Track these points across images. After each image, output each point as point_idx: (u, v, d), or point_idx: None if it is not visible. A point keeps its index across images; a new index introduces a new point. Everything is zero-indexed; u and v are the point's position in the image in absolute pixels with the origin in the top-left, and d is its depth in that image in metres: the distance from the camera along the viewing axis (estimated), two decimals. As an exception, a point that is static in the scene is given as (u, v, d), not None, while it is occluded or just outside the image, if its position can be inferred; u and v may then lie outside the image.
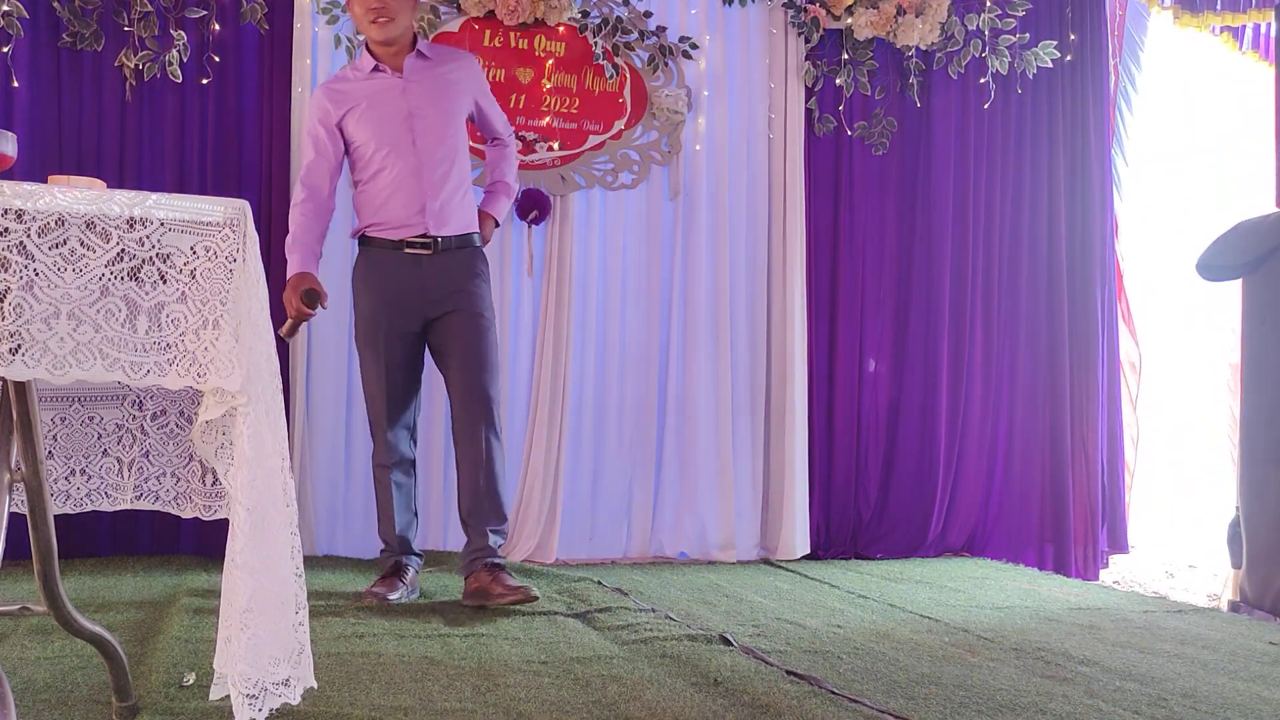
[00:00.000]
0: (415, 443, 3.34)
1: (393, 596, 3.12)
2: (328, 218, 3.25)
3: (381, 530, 3.32)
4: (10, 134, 1.67)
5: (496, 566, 3.12)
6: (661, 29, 4.18)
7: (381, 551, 3.35)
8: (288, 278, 3.14)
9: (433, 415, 3.97)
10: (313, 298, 3.06)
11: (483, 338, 3.20)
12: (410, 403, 3.29)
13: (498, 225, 3.45)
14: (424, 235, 3.17)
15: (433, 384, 3.99)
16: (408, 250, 3.17)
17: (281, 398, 1.63)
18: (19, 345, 1.41)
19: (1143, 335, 4.72)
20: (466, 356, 3.17)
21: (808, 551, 4.19)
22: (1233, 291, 4.63)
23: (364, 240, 3.27)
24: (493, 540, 3.15)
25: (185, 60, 3.76)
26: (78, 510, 1.91)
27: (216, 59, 3.81)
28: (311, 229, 3.18)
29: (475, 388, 3.17)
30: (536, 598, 3.06)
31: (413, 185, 3.17)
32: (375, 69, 3.21)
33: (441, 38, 3.99)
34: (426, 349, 3.29)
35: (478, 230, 3.29)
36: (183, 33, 3.74)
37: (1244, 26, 4.52)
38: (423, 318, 3.20)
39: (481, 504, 3.15)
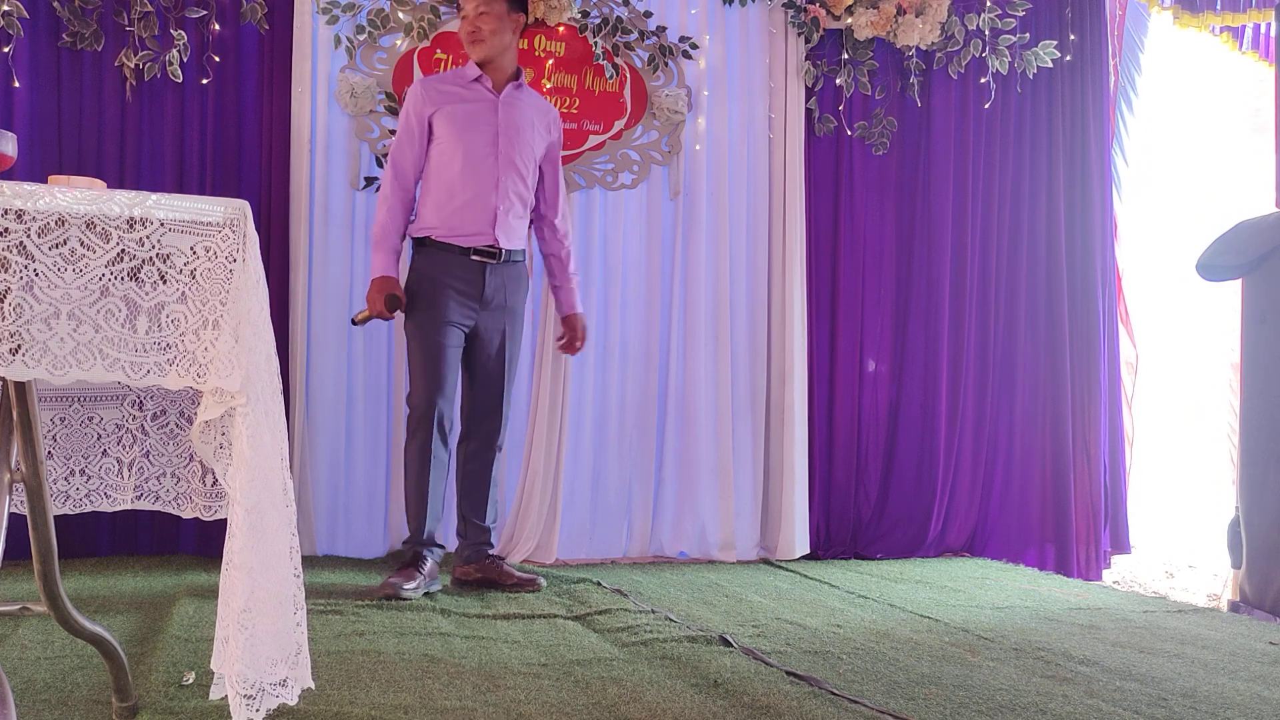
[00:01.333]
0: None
1: (408, 587, 3.16)
2: (410, 211, 3.38)
3: (410, 521, 3.37)
4: (10, 134, 1.67)
5: (500, 558, 3.45)
6: (661, 29, 4.18)
7: (404, 542, 3.39)
8: (373, 276, 3.31)
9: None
10: (394, 303, 3.28)
11: (515, 358, 3.47)
12: (456, 388, 3.38)
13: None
14: (492, 246, 3.32)
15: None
16: (474, 258, 3.31)
17: (281, 398, 1.63)
18: (19, 345, 1.41)
19: (1140, 335, 4.72)
20: (499, 372, 3.41)
21: (807, 551, 4.19)
22: (1229, 291, 4.64)
23: (427, 242, 3.33)
24: (492, 536, 3.48)
25: (185, 60, 3.76)
26: (78, 510, 1.91)
27: (216, 59, 3.81)
28: (399, 225, 3.34)
29: (499, 402, 3.42)
30: (543, 586, 3.37)
31: (488, 196, 3.31)
32: (477, 79, 3.38)
33: (441, 38, 4.00)
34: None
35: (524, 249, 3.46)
36: (183, 33, 3.75)
37: (1244, 26, 4.52)
38: (474, 318, 3.35)
39: (484, 504, 3.43)
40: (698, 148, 4.22)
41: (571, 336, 3.57)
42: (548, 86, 4.09)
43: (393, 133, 3.92)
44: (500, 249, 3.33)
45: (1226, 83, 5.00)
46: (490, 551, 3.44)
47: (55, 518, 1.76)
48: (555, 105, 4.10)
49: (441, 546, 3.39)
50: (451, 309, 3.30)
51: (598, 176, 4.14)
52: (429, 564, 3.29)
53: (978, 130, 4.44)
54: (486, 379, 3.40)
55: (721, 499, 4.17)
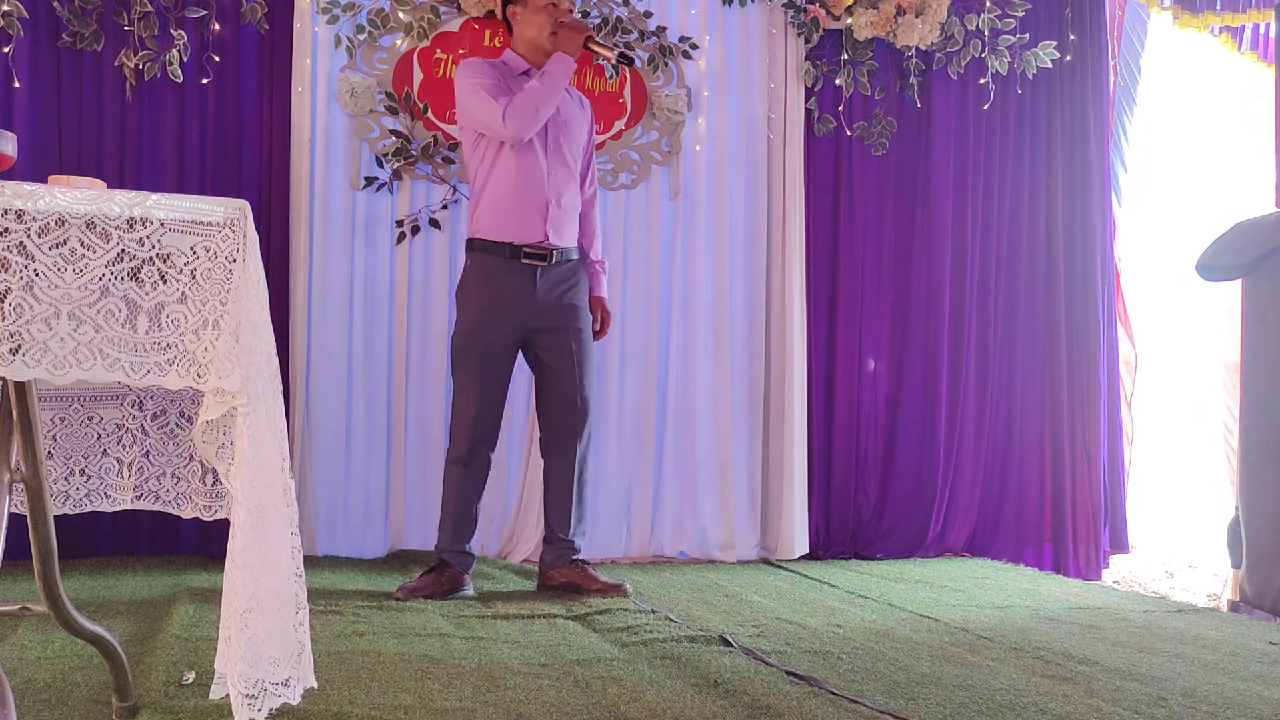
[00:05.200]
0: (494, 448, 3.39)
1: (424, 595, 3.17)
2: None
3: (441, 534, 3.33)
4: (10, 134, 1.67)
5: (586, 563, 3.38)
6: (661, 29, 4.18)
7: (436, 547, 3.35)
8: (558, 62, 3.22)
9: (430, 416, 3.98)
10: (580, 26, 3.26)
11: (587, 352, 3.37)
12: (502, 410, 3.34)
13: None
14: (542, 243, 3.25)
15: (431, 382, 3.99)
16: (524, 260, 3.24)
17: (281, 398, 1.63)
18: (19, 345, 1.41)
19: (1139, 335, 4.72)
20: (571, 370, 3.32)
21: (807, 551, 4.19)
22: (1223, 291, 4.64)
23: (478, 245, 3.28)
24: (578, 541, 3.40)
25: (185, 60, 3.76)
26: (78, 510, 1.91)
27: (216, 59, 3.81)
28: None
29: (577, 401, 3.34)
30: (629, 593, 3.27)
31: (539, 188, 3.25)
32: (525, 73, 3.30)
33: (441, 37, 4.00)
34: (520, 356, 3.37)
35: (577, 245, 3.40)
36: (183, 33, 3.75)
37: (1243, 27, 4.53)
38: (525, 328, 3.28)
39: (570, 508, 3.37)
40: (698, 148, 4.22)
41: (592, 320, 3.45)
42: (547, 86, 4.09)
43: (393, 133, 3.93)
44: (550, 248, 3.26)
45: (1225, 83, 5.00)
46: (575, 557, 3.37)
47: (55, 518, 1.76)
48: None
49: (470, 555, 3.36)
50: (496, 331, 3.24)
51: (598, 176, 4.13)
52: (451, 571, 3.27)
53: (977, 130, 4.44)
54: (559, 384, 3.33)
55: (721, 499, 4.17)
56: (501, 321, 3.25)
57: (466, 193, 4.00)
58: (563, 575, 3.34)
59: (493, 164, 3.24)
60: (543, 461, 3.42)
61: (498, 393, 3.29)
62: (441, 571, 3.27)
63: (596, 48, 3.30)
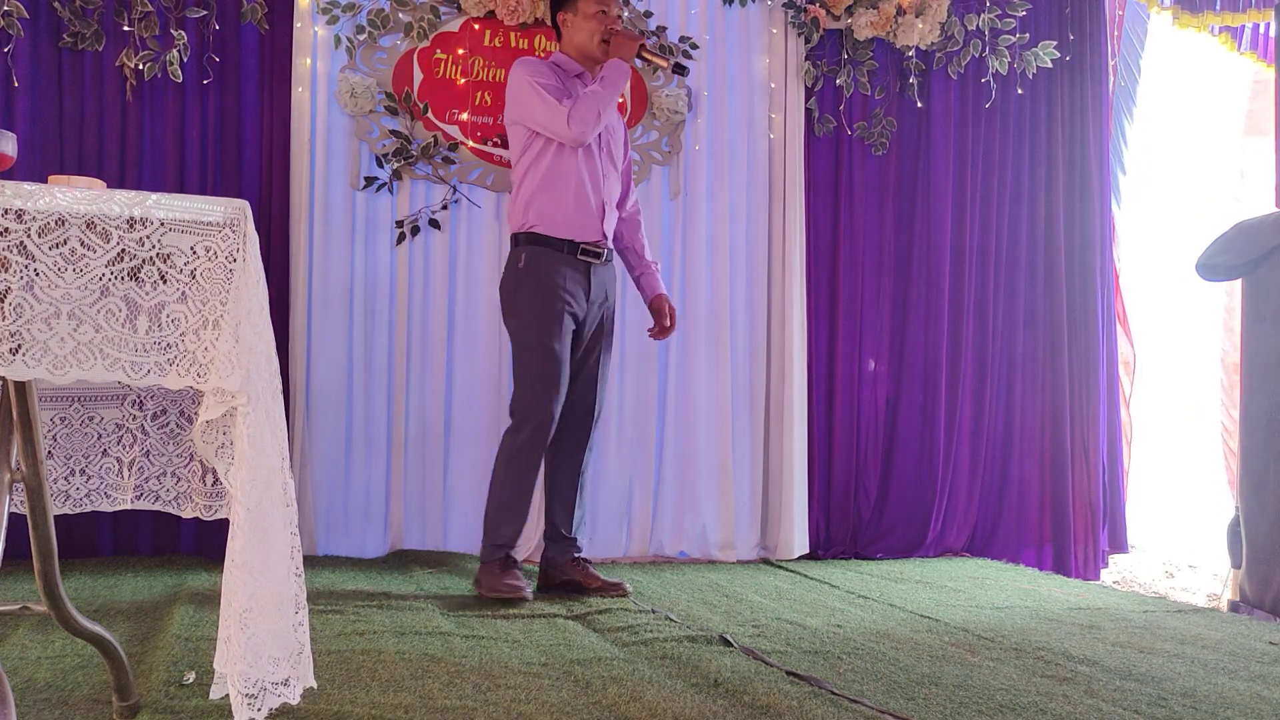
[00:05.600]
0: None
1: (527, 590, 3.17)
2: None
3: (504, 527, 3.25)
4: (10, 134, 1.67)
5: (587, 561, 3.40)
6: (661, 29, 4.18)
7: (496, 548, 3.25)
8: (615, 69, 3.28)
9: (430, 416, 3.98)
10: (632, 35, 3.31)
11: (610, 359, 3.46)
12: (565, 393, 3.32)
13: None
14: (599, 242, 3.31)
15: (431, 382, 3.99)
16: (581, 256, 3.27)
17: (281, 398, 1.63)
18: (19, 345, 1.41)
19: (1138, 335, 4.73)
20: (595, 373, 3.38)
21: (807, 551, 4.19)
22: (1219, 291, 4.64)
23: (535, 239, 3.26)
24: (581, 539, 3.44)
25: (185, 60, 3.76)
26: (78, 510, 1.91)
27: (216, 59, 3.81)
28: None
29: (594, 404, 3.40)
30: (629, 593, 3.29)
31: (597, 190, 3.30)
32: (579, 76, 3.36)
33: (441, 38, 4.00)
34: None
35: None
36: (183, 33, 3.74)
37: (1243, 27, 4.53)
38: (579, 320, 3.31)
39: (574, 514, 3.41)
40: (697, 148, 4.22)
41: (661, 318, 3.48)
42: (548, 86, 4.09)
43: (393, 133, 3.93)
44: (605, 247, 3.32)
45: (1224, 83, 5.01)
46: (576, 554, 3.39)
47: (55, 518, 1.76)
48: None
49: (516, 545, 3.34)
50: (563, 311, 3.24)
51: (598, 176, 4.13)
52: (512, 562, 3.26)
53: (977, 130, 4.44)
54: (585, 381, 3.36)
55: (721, 499, 4.17)
56: (563, 318, 3.25)
57: (466, 193, 4.01)
58: (563, 573, 3.34)
59: (549, 163, 3.25)
60: (548, 453, 3.37)
61: (564, 368, 3.26)
62: (505, 568, 3.22)
63: (651, 57, 3.35)
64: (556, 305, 3.23)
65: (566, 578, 3.33)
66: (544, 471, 3.41)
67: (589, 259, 3.29)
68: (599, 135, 3.32)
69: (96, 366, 1.44)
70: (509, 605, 3.09)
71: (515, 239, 3.32)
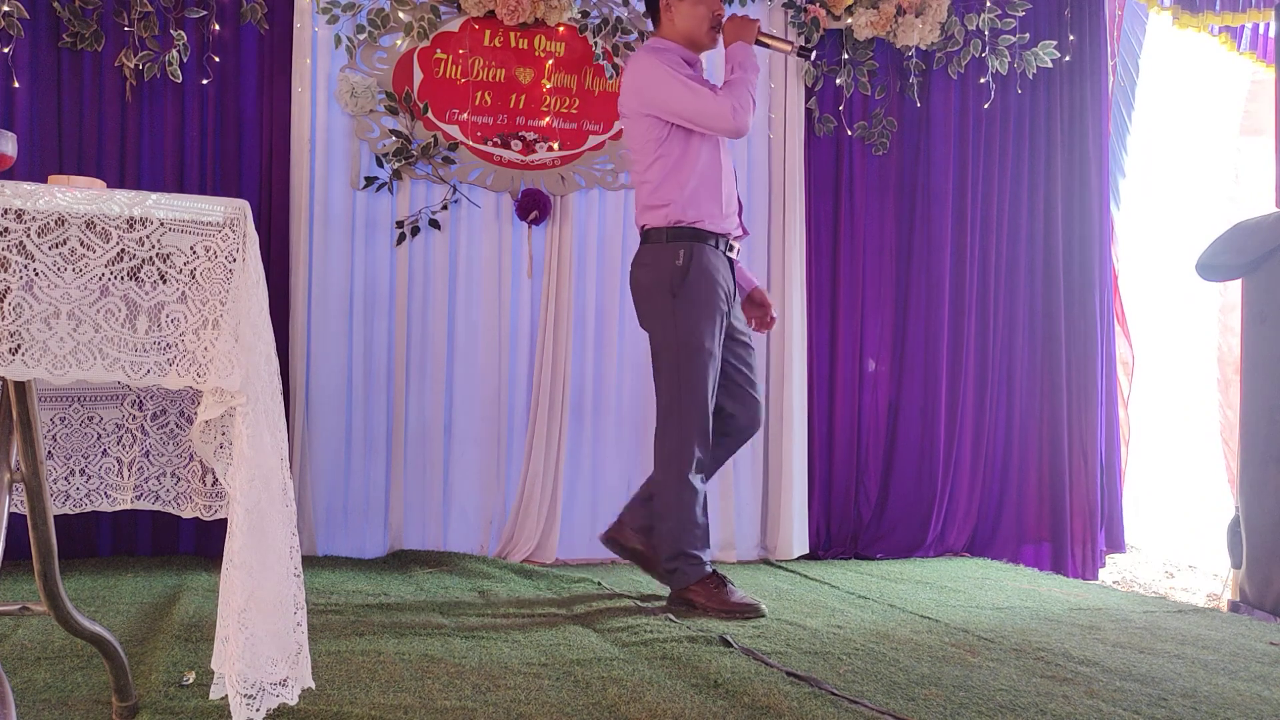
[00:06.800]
0: None
1: (760, 605, 3.07)
2: None
3: (689, 541, 3.10)
4: (10, 134, 1.67)
5: (721, 576, 3.14)
6: (661, 29, 4.17)
7: (690, 563, 3.10)
8: (747, 66, 3.14)
9: (430, 416, 3.98)
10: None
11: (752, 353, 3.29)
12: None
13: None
14: (738, 236, 3.23)
15: (431, 382, 3.99)
16: (727, 254, 3.18)
17: (281, 398, 1.63)
18: (19, 345, 1.41)
19: (1136, 335, 4.72)
20: (751, 378, 3.24)
21: (807, 551, 4.19)
22: (1213, 291, 4.63)
23: (693, 235, 3.11)
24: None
25: (185, 60, 3.76)
26: (78, 510, 1.91)
27: (216, 59, 3.81)
28: None
29: (758, 394, 3.24)
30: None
31: (730, 182, 3.22)
32: (691, 64, 3.22)
33: (441, 38, 4.00)
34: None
35: None
36: (183, 33, 3.74)
37: (1243, 27, 4.52)
38: (728, 318, 3.20)
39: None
40: (698, 148, 4.21)
41: (764, 309, 3.35)
42: (548, 86, 4.09)
43: (393, 133, 3.93)
44: (738, 241, 3.23)
45: (1221, 83, 5.00)
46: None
47: (55, 518, 1.76)
48: (555, 105, 4.12)
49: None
50: (723, 311, 3.13)
51: (598, 176, 4.14)
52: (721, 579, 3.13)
53: (977, 130, 4.44)
54: (750, 372, 3.23)
55: (721, 499, 4.17)
56: (722, 321, 3.13)
57: (466, 193, 4.01)
58: (642, 544, 3.20)
59: (696, 154, 3.13)
60: (717, 446, 3.23)
61: (713, 382, 3.14)
62: (722, 583, 3.10)
63: (771, 42, 3.25)
64: (719, 304, 3.11)
65: (642, 549, 3.19)
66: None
67: (731, 254, 3.20)
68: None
69: (96, 366, 1.44)
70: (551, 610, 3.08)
71: (650, 234, 3.15)
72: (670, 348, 3.10)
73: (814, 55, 3.39)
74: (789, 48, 3.29)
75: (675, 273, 3.09)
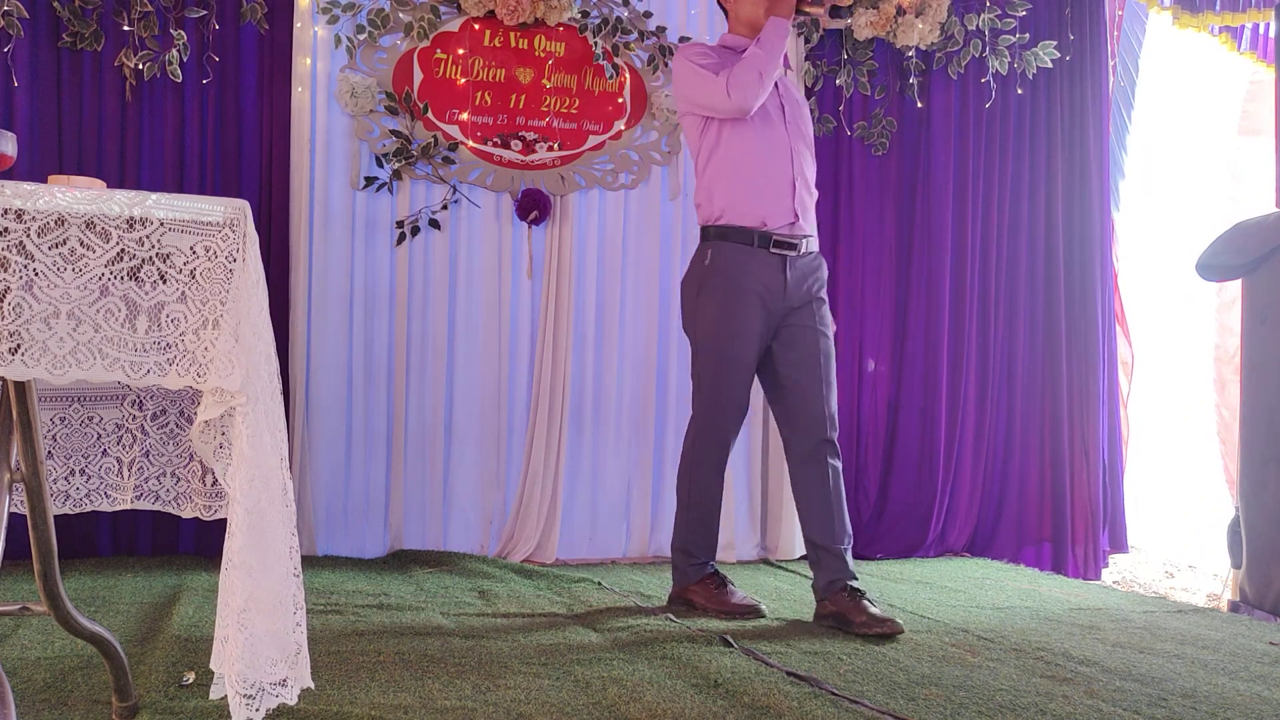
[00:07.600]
0: None
1: (760, 606, 3.06)
2: None
3: (692, 539, 3.10)
4: (10, 134, 1.67)
5: (857, 591, 2.95)
6: (661, 29, 4.18)
7: (691, 562, 3.11)
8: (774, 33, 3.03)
9: (430, 416, 3.98)
10: None
11: (831, 357, 3.09)
12: (743, 419, 3.15)
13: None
14: (792, 227, 3.02)
15: (431, 382, 3.99)
16: (773, 250, 3.01)
17: (281, 398, 1.63)
18: (19, 345, 1.41)
19: (1136, 335, 4.72)
20: (817, 375, 3.04)
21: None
22: (1210, 290, 4.63)
23: (721, 233, 3.04)
24: (849, 558, 3.03)
25: (185, 60, 3.76)
26: (78, 510, 1.91)
27: (216, 59, 3.81)
28: None
29: (826, 409, 3.04)
30: (902, 630, 2.84)
31: (784, 162, 3.04)
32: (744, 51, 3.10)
33: (441, 37, 4.00)
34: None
35: None
36: (183, 33, 3.74)
37: (1243, 27, 4.52)
38: (773, 328, 3.05)
39: (834, 525, 3.01)
40: (698, 148, 4.21)
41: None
42: (548, 86, 4.09)
43: (393, 133, 3.93)
44: (800, 236, 3.03)
45: (1220, 83, 5.00)
46: (851, 583, 2.96)
47: (55, 518, 1.76)
48: (555, 105, 4.12)
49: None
50: (754, 320, 3.00)
51: (597, 177, 4.14)
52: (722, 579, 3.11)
53: (977, 131, 4.44)
54: (808, 383, 3.03)
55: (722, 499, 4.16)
56: (751, 320, 3.00)
57: (466, 193, 4.01)
58: (832, 604, 2.95)
59: (729, 143, 3.03)
60: (792, 469, 3.09)
61: (745, 400, 3.08)
62: (722, 584, 3.09)
63: (808, 8, 3.16)
64: (744, 306, 2.99)
65: (834, 610, 2.93)
66: (792, 484, 3.10)
67: (784, 251, 3.01)
68: (781, 107, 3.09)
69: (96, 366, 1.44)
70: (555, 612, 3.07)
71: (705, 233, 3.10)
72: (694, 347, 3.12)
73: (846, 15, 3.35)
74: (822, 8, 3.23)
75: (703, 273, 3.07)
